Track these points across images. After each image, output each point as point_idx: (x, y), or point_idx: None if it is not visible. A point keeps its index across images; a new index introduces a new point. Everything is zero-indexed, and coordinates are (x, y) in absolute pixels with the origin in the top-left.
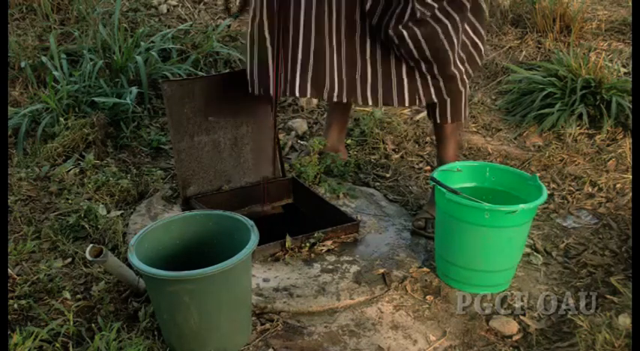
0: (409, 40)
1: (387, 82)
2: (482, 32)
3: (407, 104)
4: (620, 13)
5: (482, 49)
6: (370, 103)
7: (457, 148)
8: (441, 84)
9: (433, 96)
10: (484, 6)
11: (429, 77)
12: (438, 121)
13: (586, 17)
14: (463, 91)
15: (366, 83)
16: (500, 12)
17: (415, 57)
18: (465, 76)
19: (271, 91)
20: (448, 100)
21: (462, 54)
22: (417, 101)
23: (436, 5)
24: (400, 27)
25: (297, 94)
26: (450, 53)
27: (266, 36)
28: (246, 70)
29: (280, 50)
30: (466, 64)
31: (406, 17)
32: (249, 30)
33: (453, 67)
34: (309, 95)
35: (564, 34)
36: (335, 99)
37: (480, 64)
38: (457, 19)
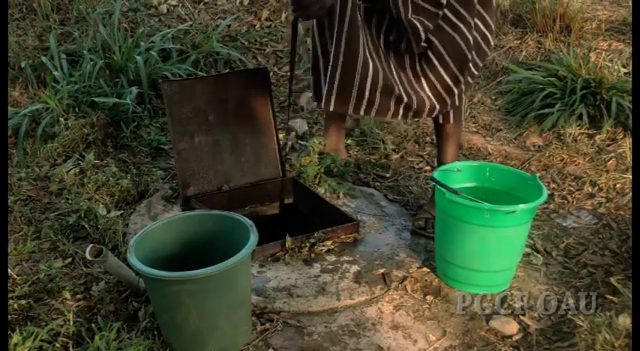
0: (430, 50)
1: (409, 94)
2: (492, 24)
3: (425, 116)
4: (620, 13)
5: (491, 40)
6: (400, 117)
7: (457, 148)
8: (462, 85)
9: (456, 99)
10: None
11: (449, 80)
12: (441, 120)
13: (586, 17)
14: (469, 87)
15: (401, 101)
16: (500, 12)
17: (434, 62)
18: (473, 69)
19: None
20: (449, 102)
21: (474, 53)
22: (436, 112)
23: (441, 12)
24: (420, 44)
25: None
26: (468, 54)
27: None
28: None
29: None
30: (474, 55)
31: (422, 35)
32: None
33: (471, 66)
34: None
35: (564, 34)
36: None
37: (488, 54)
38: (468, 17)
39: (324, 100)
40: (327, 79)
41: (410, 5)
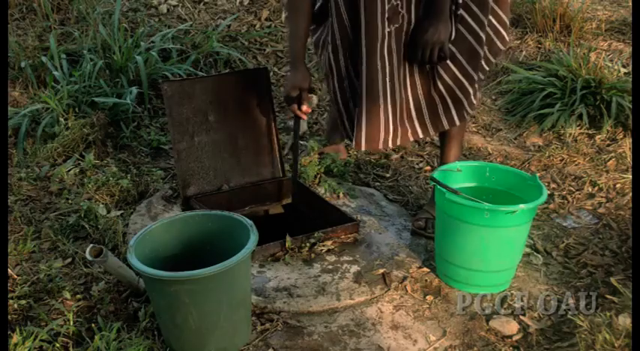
0: (452, 46)
1: (432, 108)
2: (506, 20)
3: (445, 127)
4: (620, 13)
5: (506, 37)
6: (421, 135)
7: (460, 148)
8: (476, 84)
9: (472, 98)
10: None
11: (465, 81)
12: (447, 126)
13: (586, 17)
14: (480, 83)
15: (412, 120)
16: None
17: (458, 57)
18: (485, 64)
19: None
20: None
21: (485, 49)
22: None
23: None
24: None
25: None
26: (480, 52)
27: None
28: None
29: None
30: (486, 52)
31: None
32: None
33: (483, 62)
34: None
35: (564, 34)
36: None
37: (502, 49)
38: (480, 15)
39: (354, 142)
40: (355, 121)
41: None
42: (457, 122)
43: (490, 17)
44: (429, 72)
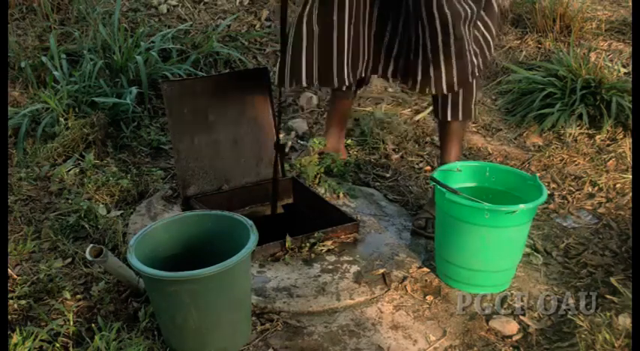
0: (438, 20)
1: (408, 63)
2: (493, 28)
3: (417, 90)
4: (620, 13)
5: (492, 45)
6: (389, 75)
7: (460, 148)
8: (454, 73)
9: (444, 87)
10: (495, 4)
11: (443, 67)
12: (449, 118)
13: (586, 17)
14: (474, 86)
15: (389, 58)
16: (500, 12)
17: (438, 40)
18: (475, 69)
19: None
20: (460, 95)
21: (474, 46)
22: (427, 90)
23: None
24: (434, 6)
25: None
26: (466, 40)
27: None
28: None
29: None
30: (478, 58)
31: None
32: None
33: (467, 55)
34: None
35: (564, 34)
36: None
37: (489, 58)
38: (475, 10)
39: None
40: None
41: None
42: (417, 89)
43: (479, 23)
44: (413, 36)
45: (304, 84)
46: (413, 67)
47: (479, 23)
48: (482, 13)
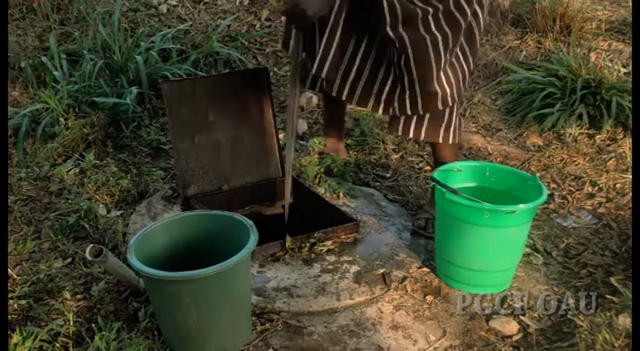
0: (397, 43)
1: (369, 85)
2: (471, 61)
3: (380, 112)
4: (620, 13)
5: (468, 78)
6: (344, 98)
7: (454, 147)
8: (419, 100)
9: (408, 110)
10: (478, 38)
11: (407, 93)
12: (400, 133)
13: (586, 17)
14: (446, 112)
15: (347, 78)
16: (500, 12)
17: (401, 64)
18: (448, 98)
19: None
20: (426, 117)
21: (449, 73)
22: (391, 111)
23: (430, 10)
24: (389, 29)
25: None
26: (435, 68)
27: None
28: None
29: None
30: (452, 87)
31: (399, 18)
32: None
33: (435, 84)
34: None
35: (564, 34)
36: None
37: (463, 90)
38: (449, 35)
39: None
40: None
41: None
42: (380, 111)
43: (458, 52)
44: (384, 56)
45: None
46: (378, 91)
47: (458, 51)
48: (462, 41)
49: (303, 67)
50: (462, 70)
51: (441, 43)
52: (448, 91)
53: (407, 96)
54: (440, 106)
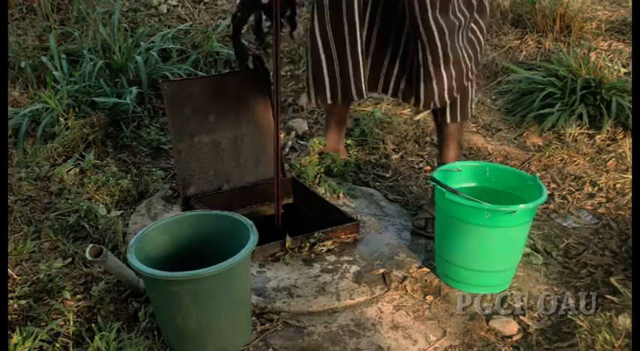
0: (435, 31)
1: (409, 81)
2: (485, 30)
3: (421, 107)
4: (620, 13)
5: (482, 48)
6: (390, 94)
7: (459, 148)
8: (454, 83)
9: (446, 97)
10: (487, 6)
11: (445, 78)
12: (448, 120)
13: (586, 17)
14: (469, 88)
15: (390, 76)
16: (500, 12)
17: (437, 50)
18: (469, 73)
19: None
20: (458, 99)
21: (469, 51)
22: (432, 105)
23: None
24: (429, 15)
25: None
26: (461, 48)
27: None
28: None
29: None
30: (471, 62)
31: (438, 6)
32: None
33: (462, 63)
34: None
35: (564, 34)
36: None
37: (479, 61)
38: (468, 16)
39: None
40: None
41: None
42: (421, 106)
43: (472, 25)
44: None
45: (329, 102)
46: (415, 84)
47: (473, 26)
48: (475, 16)
49: (319, 88)
50: (479, 41)
51: (463, 25)
52: (469, 65)
53: (445, 85)
54: (466, 83)
